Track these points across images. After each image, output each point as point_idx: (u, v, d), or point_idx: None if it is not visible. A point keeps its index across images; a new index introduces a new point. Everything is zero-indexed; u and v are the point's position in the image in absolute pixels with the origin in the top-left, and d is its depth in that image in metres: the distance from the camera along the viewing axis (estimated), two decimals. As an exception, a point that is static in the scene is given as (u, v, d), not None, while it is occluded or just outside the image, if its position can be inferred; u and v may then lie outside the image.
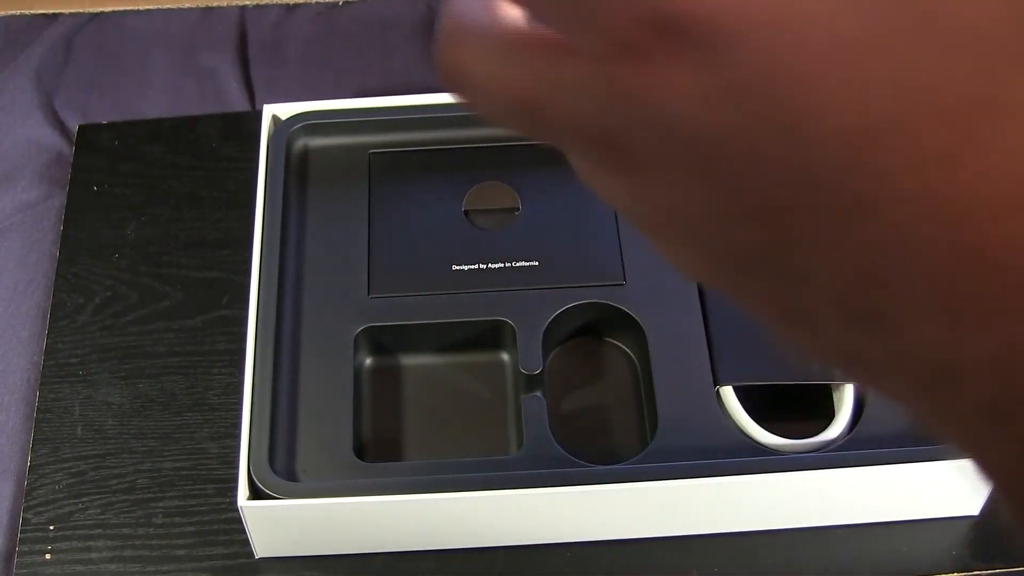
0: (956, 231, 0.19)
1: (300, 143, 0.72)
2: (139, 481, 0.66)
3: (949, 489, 0.61)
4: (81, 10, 0.89)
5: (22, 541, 0.64)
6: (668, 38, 0.21)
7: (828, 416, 0.63)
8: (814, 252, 0.21)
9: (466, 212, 0.70)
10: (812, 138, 0.20)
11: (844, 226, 0.21)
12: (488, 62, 0.24)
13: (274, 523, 0.60)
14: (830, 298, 0.22)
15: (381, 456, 0.64)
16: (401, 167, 0.72)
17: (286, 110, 0.73)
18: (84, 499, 0.65)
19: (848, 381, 0.62)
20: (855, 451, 0.60)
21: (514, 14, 0.24)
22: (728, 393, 0.63)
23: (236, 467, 0.61)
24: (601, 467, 0.60)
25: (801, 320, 0.23)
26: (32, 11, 0.89)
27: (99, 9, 0.89)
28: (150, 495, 0.65)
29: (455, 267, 0.67)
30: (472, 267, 0.67)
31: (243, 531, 0.61)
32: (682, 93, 0.21)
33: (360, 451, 0.62)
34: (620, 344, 0.68)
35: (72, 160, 0.79)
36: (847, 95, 0.20)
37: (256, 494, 0.59)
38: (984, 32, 0.19)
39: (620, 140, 0.22)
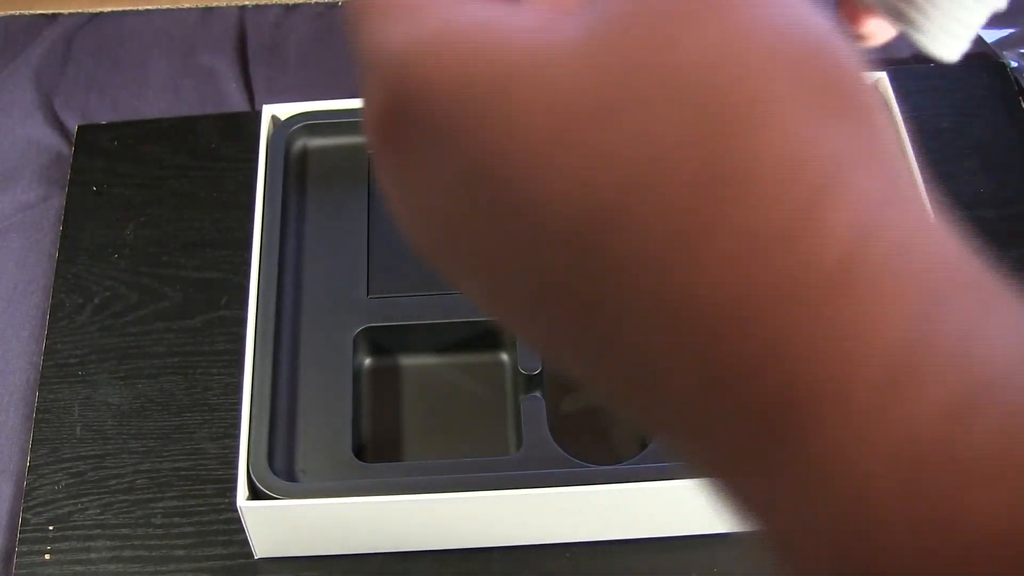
0: (702, 342, 0.18)
1: (299, 143, 0.72)
2: (138, 481, 0.66)
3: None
4: (81, 10, 0.89)
5: (21, 541, 0.64)
6: (393, 126, 0.21)
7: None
8: (571, 349, 0.20)
9: (465, 212, 0.70)
10: (538, 232, 0.19)
11: (584, 337, 0.19)
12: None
13: (273, 523, 0.60)
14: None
15: (380, 456, 0.64)
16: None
17: (285, 110, 0.73)
18: (83, 499, 0.65)
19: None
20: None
21: None
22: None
23: (235, 467, 0.61)
24: (600, 467, 0.60)
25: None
26: (32, 11, 0.89)
27: (99, 9, 0.89)
28: (149, 495, 0.65)
29: (454, 267, 0.67)
30: (471, 267, 0.67)
31: (242, 531, 0.61)
32: (417, 185, 0.21)
33: (359, 451, 0.62)
34: (619, 344, 0.68)
35: (71, 160, 0.79)
36: (569, 177, 0.18)
37: (255, 494, 0.59)
38: (719, 92, 0.18)
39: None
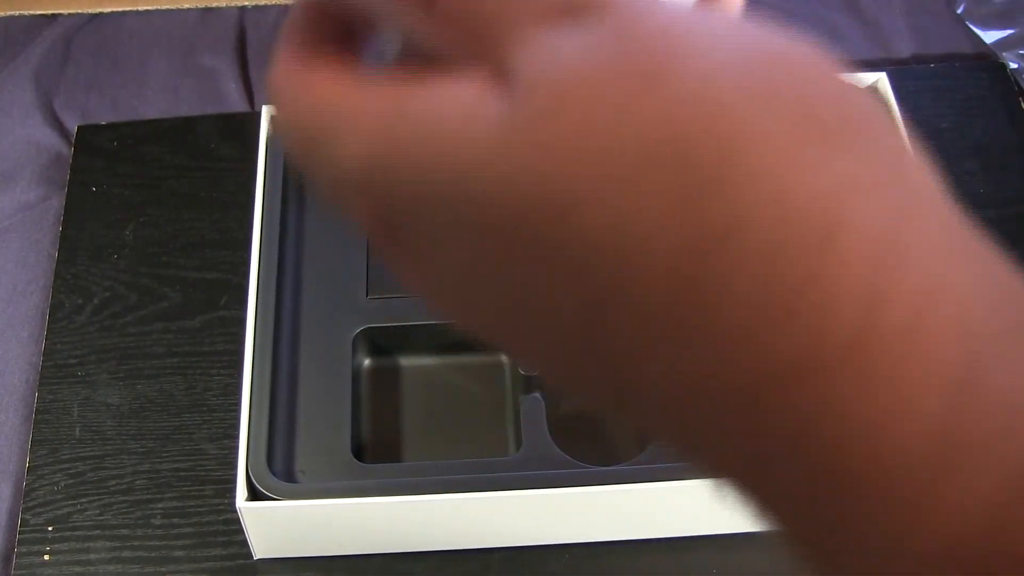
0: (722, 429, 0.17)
1: (299, 144, 0.72)
2: (137, 482, 0.66)
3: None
4: (80, 10, 0.89)
5: (21, 542, 0.64)
6: (388, 227, 0.20)
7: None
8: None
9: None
10: (561, 261, 0.18)
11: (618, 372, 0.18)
12: (290, 85, 0.22)
13: (272, 524, 0.60)
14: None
15: (379, 457, 0.64)
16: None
17: (285, 110, 0.73)
18: (83, 500, 0.65)
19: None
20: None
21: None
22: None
23: (234, 468, 0.61)
24: (600, 468, 0.60)
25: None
26: (32, 11, 0.89)
27: (98, 9, 0.89)
28: (148, 496, 0.65)
29: (454, 268, 0.67)
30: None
31: (241, 532, 0.61)
32: (430, 263, 0.20)
33: (358, 452, 0.62)
34: (619, 345, 0.67)
35: (71, 160, 0.79)
36: (559, 271, 0.18)
37: (255, 495, 0.59)
38: (690, 150, 0.16)
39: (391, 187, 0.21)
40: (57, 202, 0.78)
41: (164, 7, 0.89)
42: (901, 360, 0.16)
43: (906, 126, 0.71)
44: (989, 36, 0.85)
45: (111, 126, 0.81)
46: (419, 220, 0.20)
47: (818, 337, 0.16)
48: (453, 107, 0.19)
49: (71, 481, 0.66)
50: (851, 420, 0.16)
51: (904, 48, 0.86)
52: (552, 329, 0.19)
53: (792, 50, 0.17)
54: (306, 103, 0.22)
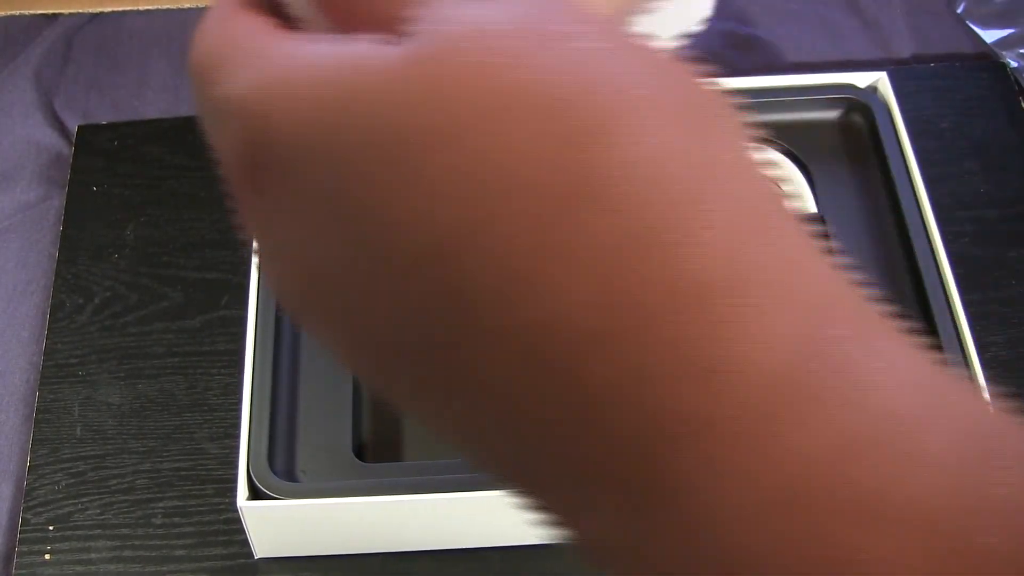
0: (561, 379, 0.17)
1: (299, 143, 0.72)
2: (138, 481, 0.66)
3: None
4: (81, 10, 0.89)
5: (21, 541, 0.64)
6: (249, 173, 0.21)
7: (828, 416, 0.63)
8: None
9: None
10: (391, 267, 0.18)
11: (441, 381, 0.19)
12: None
13: (273, 523, 0.60)
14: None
15: (381, 456, 0.64)
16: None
17: (285, 110, 0.73)
18: (83, 499, 0.65)
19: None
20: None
21: None
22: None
23: (235, 467, 0.61)
24: (600, 467, 0.59)
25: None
26: (32, 11, 0.89)
27: (99, 9, 0.89)
28: (149, 495, 0.65)
29: (454, 267, 0.67)
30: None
31: (242, 531, 0.61)
32: (278, 233, 0.20)
33: (360, 451, 0.62)
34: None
35: (71, 160, 0.79)
36: (412, 206, 0.18)
37: (255, 494, 0.59)
38: (569, 106, 0.17)
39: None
40: (57, 202, 0.78)
41: (164, 7, 0.89)
42: (749, 313, 0.16)
43: (906, 126, 0.71)
44: (989, 36, 0.85)
45: (111, 126, 0.81)
46: (286, 169, 0.19)
47: (671, 281, 0.16)
48: (347, 55, 0.19)
49: (72, 480, 0.66)
50: (688, 364, 0.16)
51: (904, 48, 0.86)
52: (391, 326, 0.19)
53: (657, 52, 0.19)
54: (218, 32, 0.22)
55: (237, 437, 0.60)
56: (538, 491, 0.19)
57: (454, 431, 0.20)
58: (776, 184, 0.18)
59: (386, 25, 0.20)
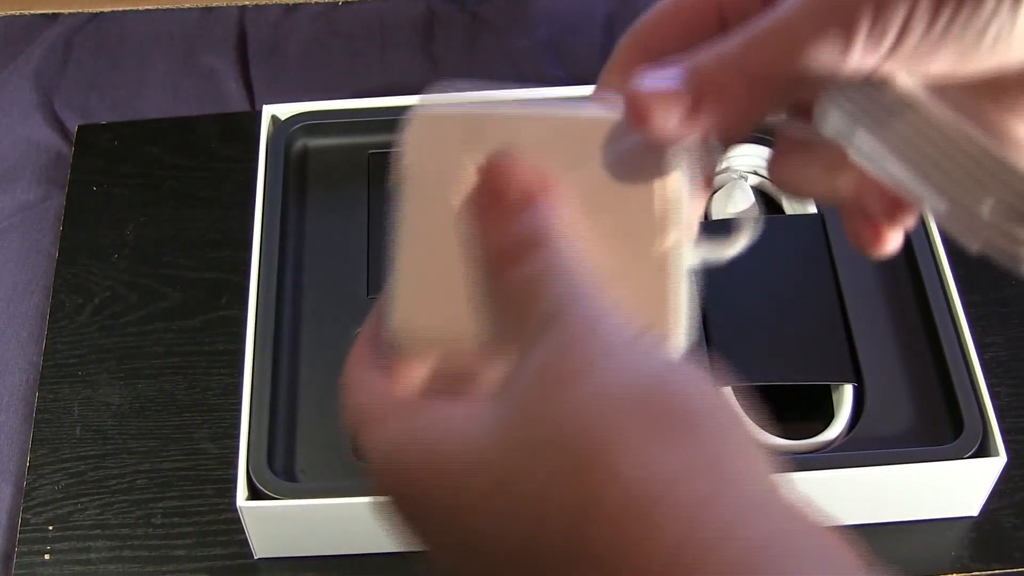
0: None
1: (299, 143, 0.72)
2: (138, 481, 0.66)
3: (948, 490, 0.61)
4: (81, 10, 0.89)
5: (21, 541, 0.64)
6: (391, 497, 0.29)
7: (827, 416, 0.63)
8: None
9: (465, 212, 0.70)
10: (489, 562, 0.26)
11: None
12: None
13: (273, 523, 0.60)
14: None
15: (380, 456, 0.64)
16: (400, 167, 0.72)
17: (285, 110, 0.73)
18: (83, 499, 0.65)
19: None
20: (854, 451, 0.60)
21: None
22: (728, 393, 0.63)
23: (235, 467, 0.61)
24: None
25: None
26: (32, 11, 0.89)
27: (99, 9, 0.89)
28: (149, 495, 0.65)
29: (454, 267, 0.67)
30: (471, 267, 0.67)
31: (242, 531, 0.61)
32: (416, 527, 0.30)
33: (359, 451, 0.62)
34: (619, 344, 0.67)
35: (71, 160, 0.79)
36: (494, 524, 0.25)
37: (255, 494, 0.59)
38: (578, 442, 0.24)
39: None
40: (57, 202, 0.78)
41: (164, 7, 0.89)
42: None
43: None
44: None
45: (111, 126, 0.81)
46: (412, 501, 0.28)
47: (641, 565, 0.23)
48: (448, 427, 0.27)
49: (72, 481, 0.66)
50: None
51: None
52: None
53: (672, 371, 0.25)
54: (358, 391, 0.31)
55: (237, 437, 0.60)
56: None
57: None
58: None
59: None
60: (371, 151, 0.72)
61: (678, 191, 0.29)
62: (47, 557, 0.64)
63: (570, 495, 0.23)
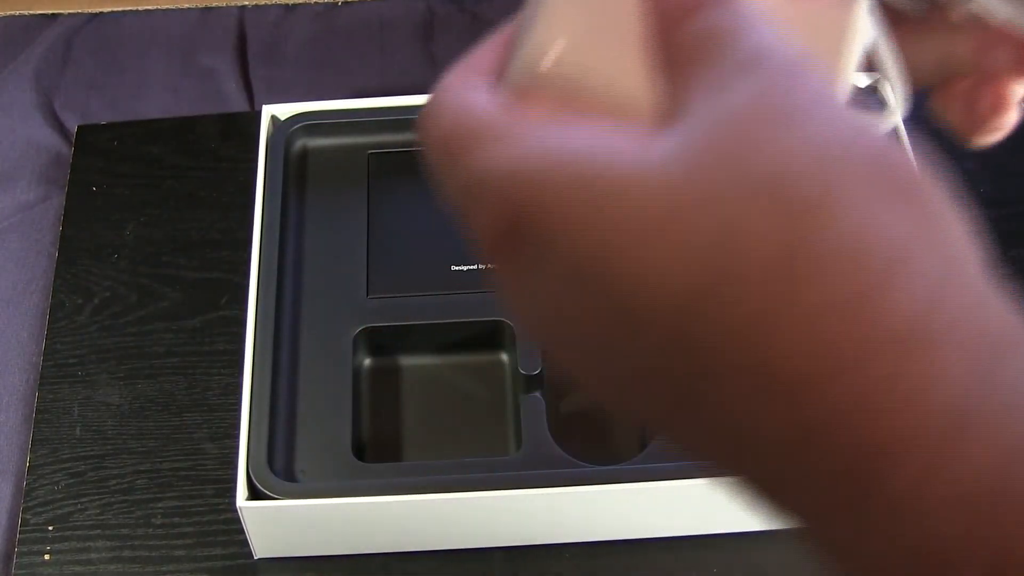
0: (787, 408, 0.20)
1: (299, 143, 0.72)
2: (138, 482, 0.66)
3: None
4: (81, 10, 0.89)
5: (21, 542, 0.64)
6: (507, 241, 0.23)
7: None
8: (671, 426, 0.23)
9: (465, 212, 0.70)
10: (639, 313, 0.21)
11: (682, 407, 0.22)
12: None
13: (273, 524, 0.60)
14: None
15: (380, 456, 0.64)
16: (400, 167, 0.72)
17: (285, 110, 0.73)
18: (83, 500, 0.65)
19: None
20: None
21: None
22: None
23: (235, 467, 0.60)
24: (600, 467, 0.60)
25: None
26: (32, 11, 0.89)
27: (98, 9, 0.89)
28: (149, 496, 0.65)
29: (454, 267, 0.67)
30: (471, 267, 0.67)
31: (242, 532, 0.61)
32: (533, 288, 0.24)
33: (359, 451, 0.62)
34: (619, 344, 0.67)
35: (71, 160, 0.79)
36: (667, 260, 0.21)
37: (255, 494, 0.59)
38: (796, 186, 0.21)
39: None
40: (57, 202, 0.78)
41: (164, 7, 0.89)
42: (936, 356, 0.20)
43: (907, 126, 0.71)
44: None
45: (111, 126, 0.81)
46: (543, 239, 0.23)
47: (876, 333, 0.20)
48: (607, 146, 0.23)
49: (71, 481, 0.66)
50: (892, 397, 0.20)
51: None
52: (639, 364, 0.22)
53: (889, 138, 0.22)
54: (459, 108, 0.25)
55: (237, 437, 0.60)
56: (762, 490, 0.23)
57: (688, 441, 0.23)
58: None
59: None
60: (371, 151, 0.72)
61: None
62: (47, 557, 0.63)
63: (776, 239, 0.20)
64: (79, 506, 0.65)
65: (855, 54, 0.27)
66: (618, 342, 0.22)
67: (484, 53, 0.27)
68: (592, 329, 0.23)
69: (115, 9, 0.89)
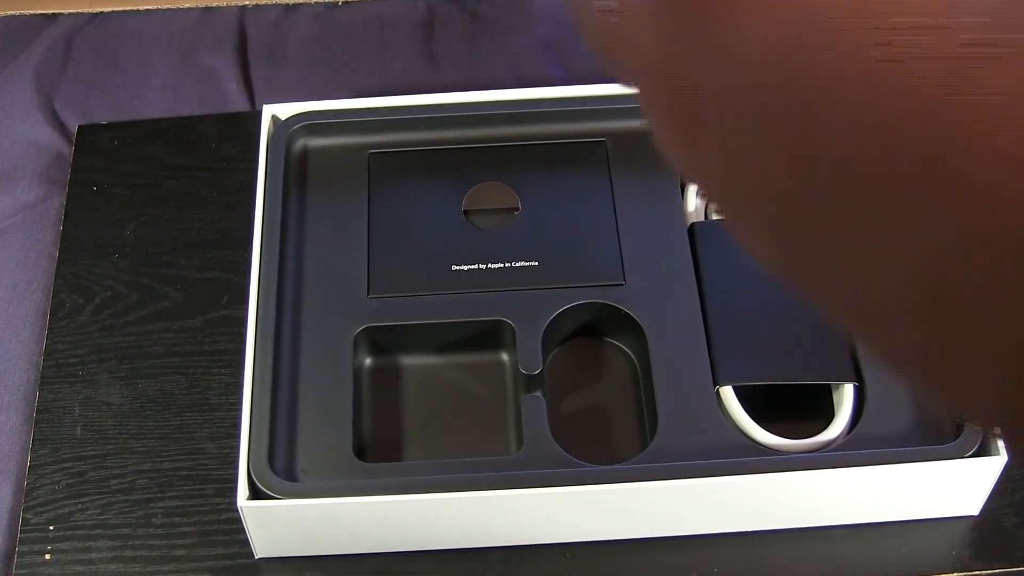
0: None
1: (300, 143, 0.72)
2: (139, 481, 0.66)
3: (949, 489, 0.61)
4: (81, 10, 0.89)
5: (22, 541, 0.64)
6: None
7: (828, 416, 0.63)
8: (880, 222, 0.20)
9: (465, 212, 0.70)
10: (893, 78, 0.19)
11: (909, 186, 0.19)
12: None
13: (274, 523, 0.60)
14: (900, 282, 0.20)
15: (381, 456, 0.64)
16: (401, 167, 0.72)
17: (286, 110, 0.73)
18: (84, 499, 0.65)
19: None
20: (855, 451, 0.60)
21: None
22: (728, 393, 0.63)
23: (236, 467, 0.61)
24: (600, 467, 0.60)
25: (869, 315, 0.21)
26: (32, 11, 0.89)
27: (99, 9, 0.89)
28: (150, 495, 0.65)
29: (454, 267, 0.67)
30: (471, 267, 0.67)
31: (243, 531, 0.61)
32: (755, 34, 0.20)
33: (360, 451, 0.62)
34: (620, 344, 0.68)
35: (71, 160, 0.79)
36: (938, 30, 0.19)
37: (256, 494, 0.59)
38: None
39: (689, 85, 0.21)
40: (57, 202, 0.78)
41: (164, 7, 0.89)
42: None
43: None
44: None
45: (111, 126, 0.81)
46: (740, 117, 0.21)
47: None
48: None
49: (72, 480, 0.66)
50: None
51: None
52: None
53: None
54: None
55: (237, 437, 0.61)
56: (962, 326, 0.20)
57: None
58: None
59: None
60: (371, 151, 0.72)
61: None
62: (48, 557, 0.64)
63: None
64: (80, 506, 0.65)
65: None
66: (834, 110, 0.20)
67: None
68: (786, 185, 0.21)
69: (115, 9, 0.89)
